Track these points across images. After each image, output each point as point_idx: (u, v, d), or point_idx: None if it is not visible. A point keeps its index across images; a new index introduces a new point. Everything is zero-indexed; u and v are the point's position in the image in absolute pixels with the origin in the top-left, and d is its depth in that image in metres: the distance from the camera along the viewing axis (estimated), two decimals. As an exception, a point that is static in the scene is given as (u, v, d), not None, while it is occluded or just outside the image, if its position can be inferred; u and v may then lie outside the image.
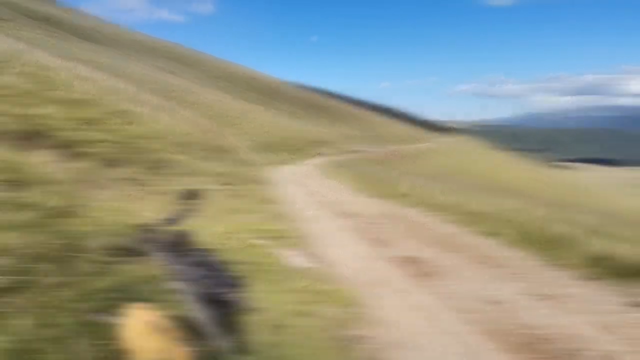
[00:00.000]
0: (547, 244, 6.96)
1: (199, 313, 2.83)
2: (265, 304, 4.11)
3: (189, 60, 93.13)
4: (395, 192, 13.52)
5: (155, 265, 3.15)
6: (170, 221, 3.37)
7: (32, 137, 6.21)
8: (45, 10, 68.65)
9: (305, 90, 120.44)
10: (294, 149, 37.93)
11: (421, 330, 4.49)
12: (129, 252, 3.10)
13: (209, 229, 5.68)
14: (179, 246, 3.39)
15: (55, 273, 2.25)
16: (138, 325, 2.24)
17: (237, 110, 46.53)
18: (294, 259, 5.88)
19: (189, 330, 2.56)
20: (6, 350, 1.65)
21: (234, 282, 3.95)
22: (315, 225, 9.57)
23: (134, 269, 2.96)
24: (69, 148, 6.94)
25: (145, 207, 4.98)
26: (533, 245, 7.18)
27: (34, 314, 1.87)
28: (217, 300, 3.31)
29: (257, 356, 2.78)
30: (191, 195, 3.52)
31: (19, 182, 3.26)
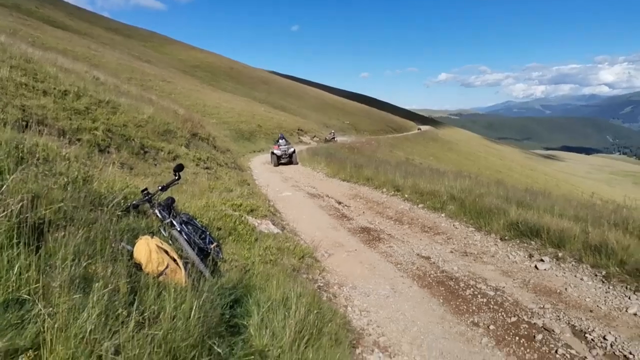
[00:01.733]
0: (478, 214, 8.26)
1: (187, 248, 3.94)
2: (236, 256, 5.25)
3: (165, 49, 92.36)
4: (363, 176, 14.74)
5: (154, 218, 4.24)
6: (163, 189, 4.44)
7: (33, 124, 7.11)
8: (16, -4, 67.19)
9: (284, 79, 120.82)
10: (271, 138, 38.81)
11: (362, 275, 5.71)
12: (135, 208, 4.16)
13: (193, 202, 6.76)
14: (170, 208, 4.48)
15: (90, 216, 3.31)
16: (144, 247, 3.32)
17: (215, 98, 47.05)
18: (263, 226, 7.02)
19: (180, 255, 3.66)
20: (71, 252, 2.72)
21: (212, 239, 5.07)
22: (285, 203, 10.72)
23: (139, 219, 4.04)
24: (65, 135, 7.86)
25: (139, 182, 6.00)
26: (467, 215, 8.49)
27: (82, 238, 2.93)
28: (199, 248, 4.43)
29: (228, 279, 3.90)
30: (178, 169, 4.57)
31: (45, 159, 4.27)
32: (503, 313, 4.54)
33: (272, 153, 21.15)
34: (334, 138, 42.48)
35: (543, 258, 6.02)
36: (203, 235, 4.92)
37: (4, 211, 2.58)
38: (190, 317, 2.81)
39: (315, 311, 3.76)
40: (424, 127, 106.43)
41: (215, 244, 4.92)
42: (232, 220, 6.47)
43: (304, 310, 3.63)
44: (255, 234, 6.31)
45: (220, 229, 6.07)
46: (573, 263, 5.76)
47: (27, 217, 2.70)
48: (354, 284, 5.41)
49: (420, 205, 10.07)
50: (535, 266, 5.85)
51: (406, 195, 11.14)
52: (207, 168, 11.87)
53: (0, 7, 53.31)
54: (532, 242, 6.64)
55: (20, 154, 3.85)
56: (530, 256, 6.24)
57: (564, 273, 5.56)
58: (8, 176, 3.17)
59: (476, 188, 10.38)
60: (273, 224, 7.43)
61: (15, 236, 2.51)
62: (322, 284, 5.31)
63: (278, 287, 4.02)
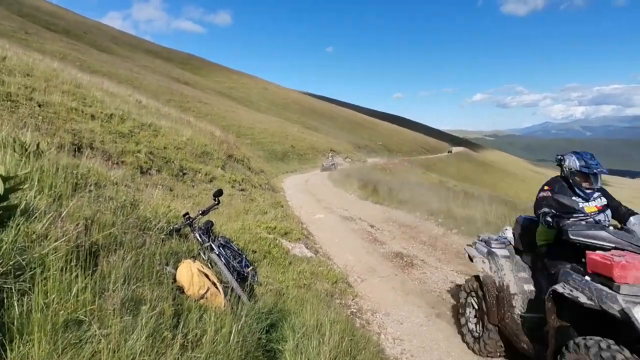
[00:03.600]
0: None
1: (226, 272, 4.08)
2: (271, 279, 5.36)
3: (203, 71, 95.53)
4: (396, 199, 14.71)
5: (194, 241, 4.42)
6: (203, 213, 4.64)
7: (82, 148, 7.57)
8: (65, 23, 71.55)
9: (317, 99, 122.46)
10: (304, 158, 39.29)
11: (395, 302, 5.70)
12: (177, 231, 4.36)
13: (229, 224, 6.96)
14: (209, 231, 4.66)
15: (137, 240, 3.51)
16: (186, 270, 3.48)
17: (249, 119, 48.12)
18: (297, 249, 7.12)
19: (219, 279, 3.80)
20: (121, 275, 2.91)
21: (248, 263, 5.20)
22: (318, 225, 10.82)
23: (180, 243, 4.23)
24: (110, 158, 8.29)
25: (178, 205, 6.25)
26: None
27: (131, 262, 3.12)
28: (236, 271, 4.57)
29: (263, 303, 4.00)
30: (217, 194, 4.77)
31: (96, 183, 4.56)
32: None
33: None
34: (333, 164, 33.29)
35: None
36: (239, 259, 5.07)
37: (64, 236, 2.78)
38: (229, 341, 2.92)
39: (348, 338, 3.80)
40: (456, 149, 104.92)
41: (251, 267, 5.05)
42: (266, 244, 6.62)
43: (337, 337, 3.68)
44: (289, 258, 6.43)
45: (255, 251, 6.22)
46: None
47: (83, 241, 2.90)
48: (387, 311, 5.41)
49: (454, 231, 9.96)
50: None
51: (440, 220, 11.04)
52: (242, 190, 12.15)
53: (52, 32, 56.82)
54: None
55: (75, 180, 4.13)
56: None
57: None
58: (65, 202, 3.41)
59: (513, 214, 10.18)
60: (306, 248, 7.53)
61: (72, 259, 2.70)
62: (355, 310, 5.34)
63: (312, 312, 4.09)
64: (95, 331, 2.32)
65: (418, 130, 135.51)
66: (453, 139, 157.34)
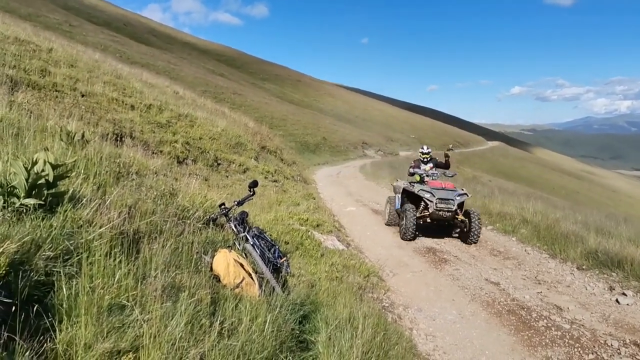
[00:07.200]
0: (553, 240, 7.86)
1: (260, 263, 4.14)
2: (303, 271, 5.39)
3: (237, 62, 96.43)
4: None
5: (229, 231, 4.50)
6: (239, 203, 4.71)
7: (123, 137, 7.83)
8: (106, 16, 73.62)
9: (350, 92, 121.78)
10: (336, 151, 39.22)
11: (428, 298, 5.65)
12: (213, 221, 4.45)
13: (262, 215, 7.05)
14: (244, 221, 4.72)
15: (176, 228, 3.61)
16: (223, 260, 3.55)
17: (282, 111, 48.36)
18: (329, 242, 7.14)
19: (254, 269, 3.86)
20: (162, 262, 3.00)
21: (280, 253, 5.25)
22: (350, 218, 10.80)
23: (216, 232, 4.33)
24: (149, 147, 8.53)
25: (214, 194, 6.38)
26: (541, 241, 8.10)
27: (171, 249, 3.21)
28: (270, 262, 4.62)
29: (296, 295, 4.03)
30: (253, 185, 4.84)
31: (137, 172, 4.72)
32: (579, 349, 4.30)
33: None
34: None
35: (625, 292, 5.62)
36: (272, 249, 5.12)
37: (108, 222, 2.89)
38: (264, 331, 2.96)
39: (382, 333, 3.79)
40: (492, 143, 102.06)
41: (284, 258, 5.10)
42: (299, 235, 6.66)
43: (370, 330, 3.67)
44: (321, 250, 6.45)
45: (287, 243, 6.27)
46: (662, 300, 5.26)
47: (126, 228, 3.00)
48: (419, 307, 5.37)
49: (489, 227, 9.74)
50: (617, 300, 5.48)
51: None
52: (274, 181, 12.27)
53: (94, 25, 58.57)
54: (613, 274, 6.23)
55: (118, 168, 4.27)
56: (611, 289, 5.85)
57: (650, 310, 5.16)
58: (109, 190, 3.53)
59: (551, 211, 9.87)
60: (338, 240, 7.54)
61: (116, 245, 2.80)
62: (387, 305, 5.32)
63: (345, 305, 4.10)
64: (137, 316, 2.40)
65: (452, 124, 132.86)
66: (489, 133, 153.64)
